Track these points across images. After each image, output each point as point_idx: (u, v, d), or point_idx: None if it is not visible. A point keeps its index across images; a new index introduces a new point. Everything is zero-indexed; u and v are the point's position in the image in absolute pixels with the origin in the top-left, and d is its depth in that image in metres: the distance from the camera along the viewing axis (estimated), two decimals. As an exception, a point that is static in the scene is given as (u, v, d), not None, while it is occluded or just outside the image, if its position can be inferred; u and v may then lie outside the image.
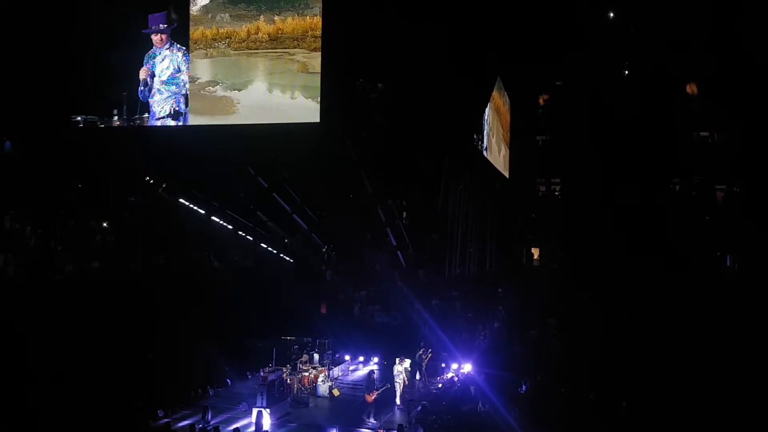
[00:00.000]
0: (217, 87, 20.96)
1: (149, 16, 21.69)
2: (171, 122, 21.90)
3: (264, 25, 20.41)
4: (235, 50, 20.70)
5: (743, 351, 19.24)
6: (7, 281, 20.47)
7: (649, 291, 23.09)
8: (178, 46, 21.72)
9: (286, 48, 20.21)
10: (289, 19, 20.25)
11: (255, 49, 20.49)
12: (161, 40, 21.76)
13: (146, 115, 22.05)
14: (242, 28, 20.64)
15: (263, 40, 20.42)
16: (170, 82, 21.84)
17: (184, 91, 21.71)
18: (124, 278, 22.73)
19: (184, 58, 21.65)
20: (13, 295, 19.97)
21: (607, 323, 22.13)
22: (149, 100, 22.05)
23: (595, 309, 22.98)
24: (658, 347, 20.25)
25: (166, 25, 21.60)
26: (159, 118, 21.97)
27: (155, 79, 21.98)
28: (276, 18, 20.24)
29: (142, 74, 21.98)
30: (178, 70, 21.76)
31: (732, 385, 17.68)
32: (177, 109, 21.78)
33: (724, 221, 27.70)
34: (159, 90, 22.01)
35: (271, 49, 20.39)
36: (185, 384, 19.62)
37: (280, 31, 20.19)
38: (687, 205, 28.53)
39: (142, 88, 22.03)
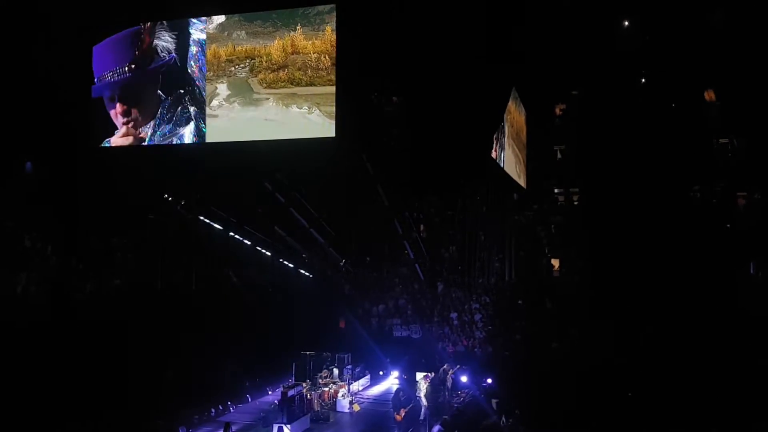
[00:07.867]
0: (234, 104, 20.94)
1: None
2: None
3: (303, 42, 19.66)
4: (268, 88, 20.18)
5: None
6: (29, 300, 20.64)
7: (671, 299, 22.75)
8: None
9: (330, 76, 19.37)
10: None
11: (308, 81, 19.67)
12: None
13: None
14: (268, 48, 20.04)
15: (326, 66, 19.51)
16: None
17: None
18: (144, 295, 22.85)
19: None
20: (35, 313, 20.13)
21: (629, 333, 21.82)
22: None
23: (617, 319, 22.65)
24: (680, 356, 19.94)
25: None
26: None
27: None
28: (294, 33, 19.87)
29: None
30: None
31: (758, 395, 17.33)
32: None
33: (747, 228, 27.25)
34: None
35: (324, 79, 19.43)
36: (206, 400, 19.63)
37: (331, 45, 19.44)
38: (708, 213, 28.10)
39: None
